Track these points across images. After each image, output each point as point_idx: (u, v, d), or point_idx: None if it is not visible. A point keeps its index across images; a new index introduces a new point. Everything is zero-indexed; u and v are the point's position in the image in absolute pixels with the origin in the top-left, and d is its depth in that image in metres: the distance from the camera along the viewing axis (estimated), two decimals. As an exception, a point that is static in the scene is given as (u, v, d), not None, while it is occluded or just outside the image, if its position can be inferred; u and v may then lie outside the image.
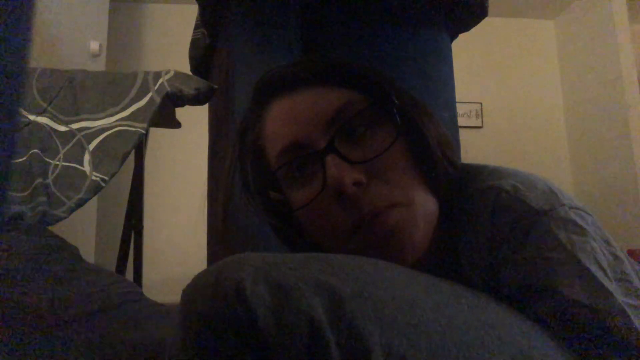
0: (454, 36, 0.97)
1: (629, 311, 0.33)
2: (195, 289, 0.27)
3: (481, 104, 3.38)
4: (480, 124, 3.37)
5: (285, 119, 0.44)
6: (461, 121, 3.34)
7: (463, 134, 0.91)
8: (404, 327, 0.27)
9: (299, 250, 0.52)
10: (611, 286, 0.34)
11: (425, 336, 0.27)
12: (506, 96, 3.43)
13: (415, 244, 0.41)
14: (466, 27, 0.96)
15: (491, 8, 0.94)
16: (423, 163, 0.43)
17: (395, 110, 0.42)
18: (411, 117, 0.44)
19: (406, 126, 0.43)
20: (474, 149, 3.20)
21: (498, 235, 0.39)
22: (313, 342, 0.25)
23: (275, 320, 0.25)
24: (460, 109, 3.26)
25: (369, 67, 0.47)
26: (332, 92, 0.44)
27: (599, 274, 0.35)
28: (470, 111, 3.36)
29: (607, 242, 0.38)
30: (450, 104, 0.88)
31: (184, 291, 0.28)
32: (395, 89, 0.45)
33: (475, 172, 0.45)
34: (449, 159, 0.45)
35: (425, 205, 0.42)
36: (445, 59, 0.90)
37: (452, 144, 0.47)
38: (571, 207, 0.38)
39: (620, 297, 0.34)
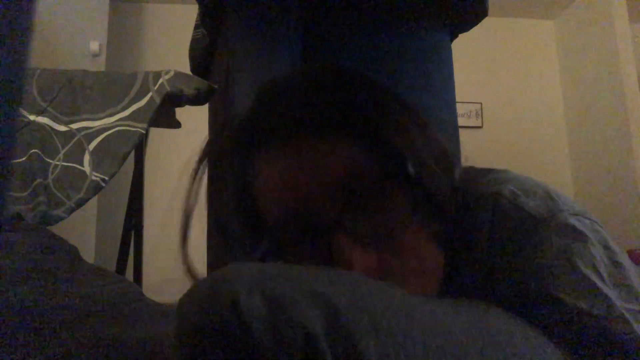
0: (454, 36, 0.97)
1: (629, 316, 0.33)
2: (190, 301, 0.27)
3: (481, 104, 3.38)
4: (480, 124, 3.37)
5: (281, 183, 0.38)
6: (461, 121, 3.33)
7: (463, 134, 0.91)
8: (400, 338, 0.26)
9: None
10: (610, 292, 0.34)
11: (422, 347, 0.26)
12: (506, 96, 3.43)
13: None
14: (466, 27, 0.96)
15: (491, 8, 0.94)
16: (433, 216, 0.39)
17: (411, 184, 0.36)
18: (426, 181, 0.38)
19: (421, 190, 0.38)
20: (474, 149, 3.20)
21: (496, 242, 0.39)
22: (309, 355, 0.24)
23: (270, 333, 0.24)
24: (460, 109, 3.26)
25: (374, 98, 0.40)
26: (334, 149, 0.37)
27: (598, 280, 0.34)
28: (470, 111, 3.37)
29: (607, 248, 0.37)
30: (450, 104, 0.88)
31: (179, 302, 0.27)
32: (401, 131, 0.38)
33: (475, 177, 0.44)
34: (454, 186, 0.42)
35: (437, 263, 0.40)
36: (445, 59, 0.90)
37: (451, 158, 0.43)
38: (570, 213, 0.38)
39: (619, 303, 0.34)
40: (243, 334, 0.24)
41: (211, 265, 1.05)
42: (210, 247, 1.06)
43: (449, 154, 0.44)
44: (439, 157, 0.41)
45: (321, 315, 0.26)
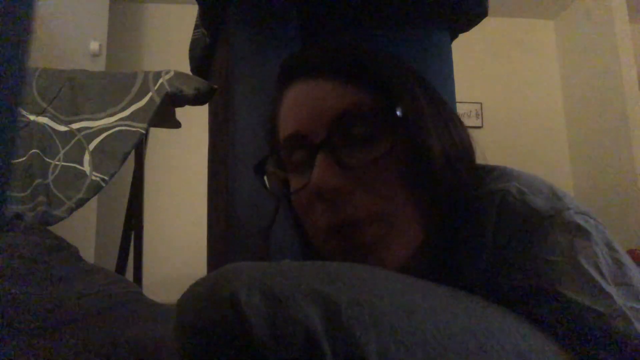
0: (454, 36, 0.97)
1: (630, 314, 0.33)
2: (190, 299, 0.27)
3: (481, 104, 3.38)
4: (480, 124, 3.37)
5: (295, 107, 0.45)
6: (461, 121, 3.34)
7: (463, 134, 0.91)
8: (400, 334, 0.26)
9: (303, 236, 0.51)
10: (612, 290, 0.34)
11: (423, 343, 0.27)
12: (506, 96, 3.43)
13: (390, 262, 0.40)
14: (466, 27, 0.96)
15: (491, 8, 0.94)
16: (422, 178, 0.42)
17: (395, 120, 0.41)
18: (417, 128, 0.42)
19: (410, 136, 0.41)
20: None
21: (502, 238, 0.39)
22: (309, 352, 0.24)
23: (270, 331, 0.24)
24: (460, 109, 3.27)
25: (395, 65, 0.46)
26: (345, 88, 0.43)
27: (600, 278, 0.35)
28: (470, 111, 3.36)
29: (611, 247, 0.38)
30: (450, 104, 0.88)
31: (179, 301, 0.28)
32: (410, 93, 0.44)
33: (483, 173, 0.45)
34: (458, 172, 0.43)
35: (409, 224, 0.41)
36: (445, 59, 0.90)
37: (468, 151, 0.46)
38: (576, 212, 0.38)
39: (621, 301, 0.34)
40: (243, 331, 0.24)
41: (212, 265, 1.05)
42: (210, 246, 1.06)
43: (468, 143, 0.46)
44: (455, 141, 0.44)
45: (321, 312, 0.26)
